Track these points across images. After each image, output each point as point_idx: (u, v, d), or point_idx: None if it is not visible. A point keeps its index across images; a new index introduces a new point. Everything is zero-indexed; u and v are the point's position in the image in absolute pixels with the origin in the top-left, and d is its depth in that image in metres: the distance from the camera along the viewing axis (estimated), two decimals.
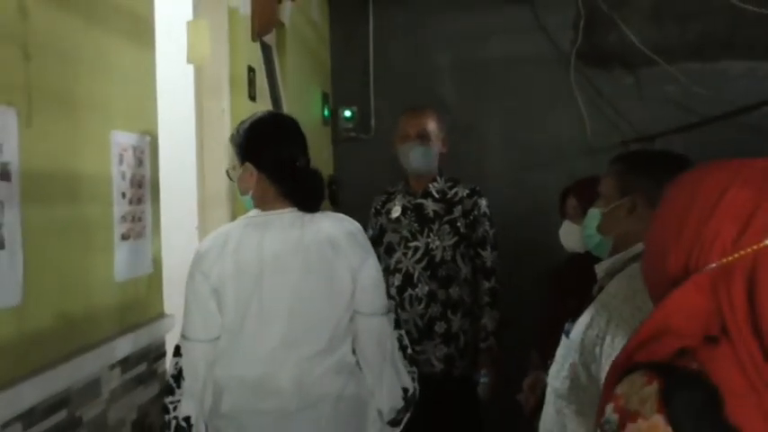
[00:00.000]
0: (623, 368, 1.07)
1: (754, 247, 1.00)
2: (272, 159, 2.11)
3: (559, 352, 1.99)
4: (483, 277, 3.22)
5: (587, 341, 1.80)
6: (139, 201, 2.18)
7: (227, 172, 2.25)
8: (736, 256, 1.01)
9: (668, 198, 1.16)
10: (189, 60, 2.56)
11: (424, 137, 3.24)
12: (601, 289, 1.90)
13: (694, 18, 4.18)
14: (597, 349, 1.77)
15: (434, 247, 3.20)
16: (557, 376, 1.95)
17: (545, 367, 2.76)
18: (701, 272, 1.03)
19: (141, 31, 2.25)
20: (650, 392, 1.00)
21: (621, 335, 1.72)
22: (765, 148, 3.87)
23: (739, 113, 3.82)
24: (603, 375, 1.75)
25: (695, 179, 1.12)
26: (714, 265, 1.02)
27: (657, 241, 1.14)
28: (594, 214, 1.97)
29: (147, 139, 2.23)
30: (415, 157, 3.23)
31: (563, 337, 1.99)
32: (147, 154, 2.23)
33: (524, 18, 4.33)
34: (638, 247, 1.85)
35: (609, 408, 1.06)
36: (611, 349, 1.73)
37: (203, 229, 2.94)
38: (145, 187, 2.21)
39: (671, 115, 4.09)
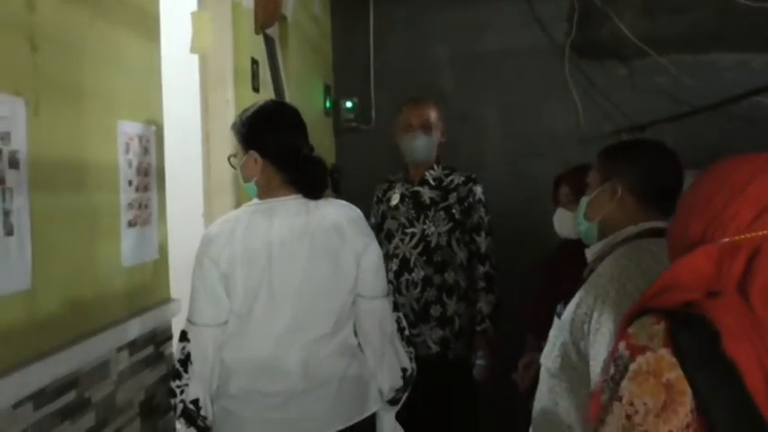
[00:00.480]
0: (635, 314, 1.19)
1: (765, 231, 1.13)
2: (277, 147, 2.10)
3: (552, 333, 1.99)
4: (478, 262, 3.21)
5: (576, 320, 1.82)
6: (146, 188, 2.17)
7: (229, 159, 2.23)
8: (747, 236, 1.14)
9: (701, 179, 1.27)
10: (192, 50, 2.55)
11: (426, 127, 3.24)
12: (591, 272, 1.91)
13: (685, 11, 4.15)
14: (585, 326, 1.79)
15: (430, 233, 3.19)
16: (549, 356, 1.96)
17: (540, 349, 2.77)
18: (713, 243, 1.16)
19: (146, 22, 2.23)
20: (658, 330, 1.13)
21: (608, 311, 1.74)
22: (753, 137, 3.89)
23: (729, 103, 3.81)
24: (591, 351, 1.77)
25: (728, 166, 1.23)
26: (727, 240, 1.15)
27: (684, 212, 1.26)
28: (582, 203, 2.01)
29: (153, 128, 2.22)
30: (419, 147, 3.23)
31: (555, 319, 2.00)
32: (153, 143, 2.21)
33: (520, 12, 4.31)
34: (626, 231, 1.91)
35: (621, 345, 1.18)
36: (598, 324, 1.75)
37: (209, 217, 2.93)
38: (151, 175, 2.20)
39: (662, 105, 4.07)
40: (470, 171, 3.33)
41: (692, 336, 1.09)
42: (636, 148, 2.02)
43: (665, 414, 1.09)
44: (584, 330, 1.79)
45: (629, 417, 1.12)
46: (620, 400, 1.14)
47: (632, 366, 1.14)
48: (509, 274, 3.36)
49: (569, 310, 1.87)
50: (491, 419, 3.44)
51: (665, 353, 1.10)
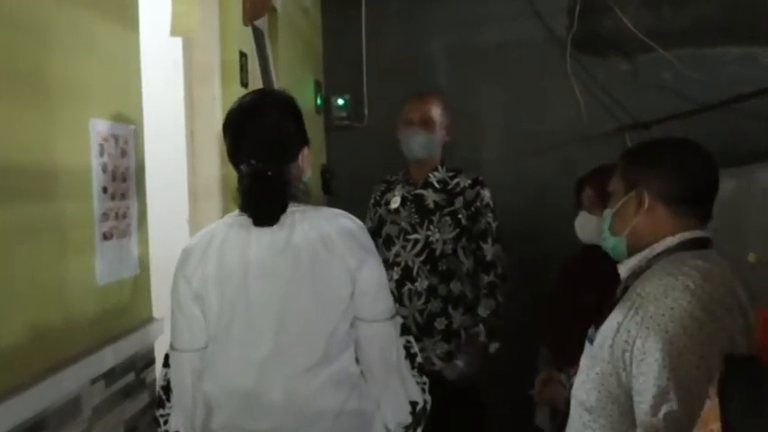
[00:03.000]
0: None
1: None
2: (229, 154, 1.81)
3: (584, 361, 1.72)
4: (482, 270, 2.93)
5: (616, 347, 1.56)
6: (123, 196, 1.87)
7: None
8: None
9: None
10: (173, 32, 2.21)
11: (427, 123, 2.95)
12: (625, 290, 1.67)
13: (690, 3, 3.91)
14: (627, 355, 1.53)
15: (434, 239, 2.90)
16: (581, 387, 1.69)
17: (556, 363, 2.51)
18: None
19: (124, 8, 1.93)
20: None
21: (653, 338, 1.48)
22: (762, 135, 3.68)
23: (737, 101, 3.59)
24: (635, 385, 1.51)
25: None
26: None
27: None
28: (606, 216, 1.78)
29: (131, 127, 1.92)
30: (417, 145, 2.95)
31: (587, 344, 1.73)
32: (131, 144, 1.91)
33: (518, 4, 4.03)
34: (664, 243, 1.66)
35: None
36: (642, 354, 1.50)
37: (195, 223, 2.64)
38: (129, 181, 1.90)
39: (667, 101, 3.84)
40: (468, 170, 3.05)
41: (741, 382, 1.09)
42: (663, 150, 1.74)
43: None
44: (625, 360, 1.54)
45: None
46: None
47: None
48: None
49: (605, 335, 1.61)
50: None
51: (715, 402, 1.10)
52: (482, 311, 2.89)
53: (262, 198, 1.74)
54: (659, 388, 1.44)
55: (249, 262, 1.75)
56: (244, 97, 1.88)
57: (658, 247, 1.66)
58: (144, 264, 2.01)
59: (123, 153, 1.86)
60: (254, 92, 1.97)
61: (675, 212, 1.65)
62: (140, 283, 1.99)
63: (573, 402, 1.73)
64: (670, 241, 1.65)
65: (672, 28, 3.92)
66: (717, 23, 3.90)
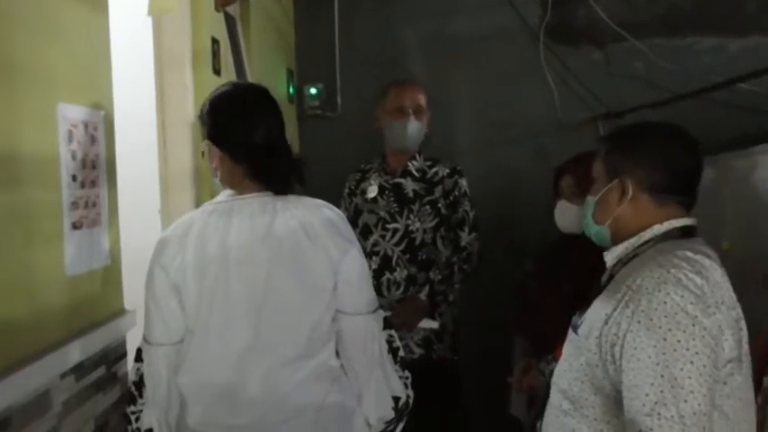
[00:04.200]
0: None
1: None
2: (232, 135, 1.76)
3: (567, 350, 1.68)
4: (456, 256, 2.88)
5: (604, 339, 1.51)
6: (93, 184, 1.79)
7: (202, 153, 1.86)
8: None
9: None
10: (151, 12, 2.12)
11: (419, 112, 2.90)
12: (611, 277, 1.63)
13: None
14: (617, 349, 1.49)
15: (414, 229, 2.85)
16: (563, 375, 1.65)
17: (536, 352, 2.47)
18: None
19: None
20: None
21: (645, 332, 1.44)
22: (734, 124, 3.68)
23: (709, 90, 3.59)
24: (625, 380, 1.45)
25: None
26: None
27: None
28: (589, 203, 1.72)
29: (101, 113, 1.84)
30: (412, 134, 2.88)
31: (570, 332, 1.68)
32: (102, 130, 1.83)
33: None
34: (651, 231, 1.61)
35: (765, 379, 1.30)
36: (633, 349, 1.44)
37: (167, 214, 2.56)
38: (99, 168, 1.82)
39: (640, 91, 3.82)
40: (444, 160, 3.01)
41: None
42: (644, 136, 1.67)
43: None
44: (614, 353, 1.49)
45: None
46: None
47: None
48: (484, 267, 3.04)
49: (592, 326, 1.56)
50: (481, 427, 3.17)
51: None
52: (433, 275, 2.84)
53: (291, 168, 1.79)
54: (653, 385, 1.40)
55: (229, 250, 1.69)
56: (225, 87, 1.84)
57: (646, 234, 1.61)
58: (115, 254, 1.93)
59: (93, 140, 1.79)
60: (232, 82, 1.97)
61: (660, 201, 1.61)
62: (111, 273, 1.91)
63: (553, 389, 1.69)
64: (657, 229, 1.60)
65: (644, 18, 3.90)
66: (688, 13, 3.89)
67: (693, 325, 1.41)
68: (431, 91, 3.87)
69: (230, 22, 2.98)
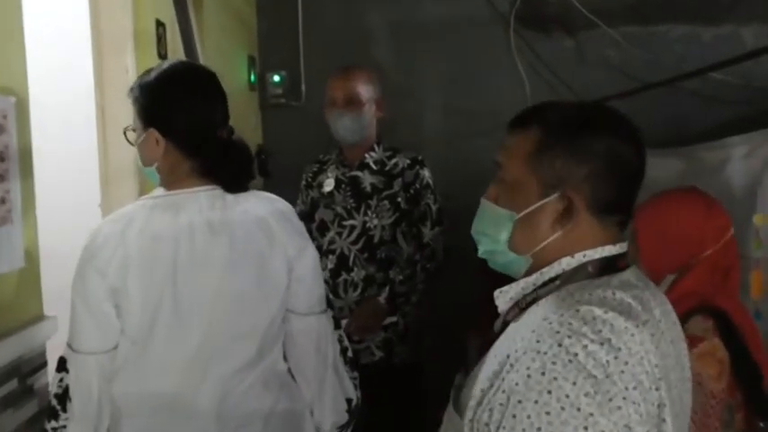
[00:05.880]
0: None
1: None
2: (186, 125, 1.56)
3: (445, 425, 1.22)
4: (418, 253, 2.68)
5: (476, 424, 1.06)
6: (2, 178, 1.59)
7: (125, 133, 1.67)
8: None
9: None
10: None
11: (353, 102, 2.65)
12: (506, 325, 1.13)
13: None
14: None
15: (372, 225, 2.65)
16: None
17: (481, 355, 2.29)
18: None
19: None
20: (708, 326, 1.65)
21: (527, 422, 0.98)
22: (705, 116, 3.55)
23: (681, 79, 3.43)
24: None
25: None
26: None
27: None
28: (501, 218, 1.17)
29: (12, 99, 1.63)
30: (343, 127, 2.66)
31: (449, 408, 1.20)
32: (12, 118, 1.63)
33: None
34: (560, 264, 1.13)
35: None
36: None
37: (107, 208, 2.37)
38: (10, 160, 1.62)
39: (612, 79, 3.64)
40: (409, 148, 2.82)
41: (725, 324, 1.65)
42: (591, 128, 1.14)
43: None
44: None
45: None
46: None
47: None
48: (447, 260, 2.86)
49: (470, 403, 1.08)
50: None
51: (718, 342, 1.64)
52: (394, 275, 2.64)
53: (248, 164, 1.65)
54: None
55: (178, 248, 1.52)
56: (173, 65, 1.64)
57: (549, 271, 1.13)
58: (31, 255, 1.73)
59: (1, 129, 1.58)
60: (180, 61, 1.76)
61: (602, 222, 1.14)
62: (27, 276, 1.72)
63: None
64: (567, 263, 1.12)
65: (616, 5, 3.73)
66: (661, 1, 3.73)
67: (585, 428, 0.97)
68: (398, 78, 3.72)
69: (180, 3, 2.77)
